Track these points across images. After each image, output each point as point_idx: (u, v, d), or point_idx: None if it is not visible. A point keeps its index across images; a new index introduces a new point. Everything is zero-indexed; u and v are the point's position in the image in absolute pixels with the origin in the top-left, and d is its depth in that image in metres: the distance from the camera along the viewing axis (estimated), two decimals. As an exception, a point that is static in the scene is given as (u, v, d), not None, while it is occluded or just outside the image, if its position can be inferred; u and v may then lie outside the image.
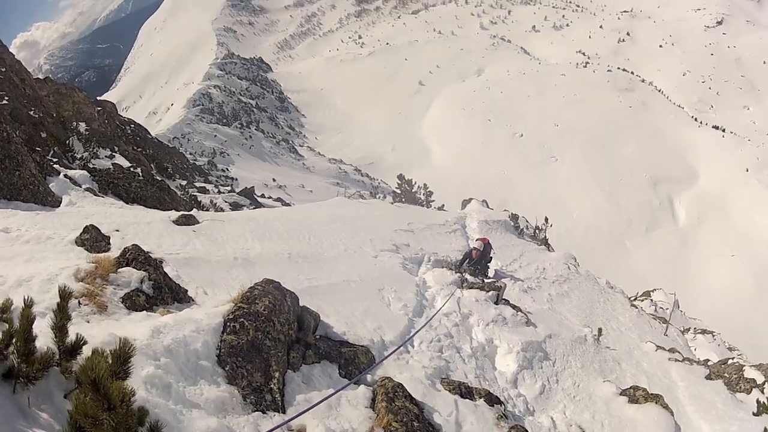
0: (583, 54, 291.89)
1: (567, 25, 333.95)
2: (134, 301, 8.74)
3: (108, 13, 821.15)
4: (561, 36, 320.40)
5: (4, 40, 37.54)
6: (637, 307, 29.08)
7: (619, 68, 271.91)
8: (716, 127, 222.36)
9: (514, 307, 17.62)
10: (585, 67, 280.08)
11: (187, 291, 10.37)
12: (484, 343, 14.95)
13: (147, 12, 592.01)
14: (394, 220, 28.04)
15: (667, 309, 36.28)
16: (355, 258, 19.16)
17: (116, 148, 35.79)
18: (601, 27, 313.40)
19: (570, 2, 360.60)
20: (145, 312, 8.51)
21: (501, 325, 15.85)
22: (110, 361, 4.40)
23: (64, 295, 5.35)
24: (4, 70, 32.31)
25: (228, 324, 8.03)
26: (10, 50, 37.73)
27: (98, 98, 61.11)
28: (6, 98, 27.24)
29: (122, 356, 4.44)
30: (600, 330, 18.69)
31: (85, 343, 5.40)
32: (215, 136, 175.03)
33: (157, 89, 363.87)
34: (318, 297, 12.34)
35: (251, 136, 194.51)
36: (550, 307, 21.57)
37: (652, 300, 40.24)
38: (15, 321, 5.40)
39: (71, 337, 5.38)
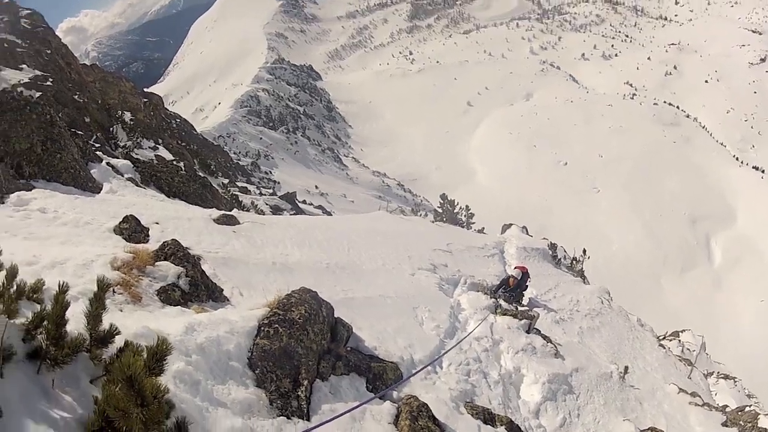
0: (631, 85, 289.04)
1: (616, 55, 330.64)
2: (169, 296, 8.79)
3: (159, 8, 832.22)
4: (609, 66, 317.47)
5: (50, 23, 37.97)
6: (664, 347, 28.74)
7: (665, 102, 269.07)
8: (756, 168, 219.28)
9: (544, 337, 17.53)
10: (632, 98, 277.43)
11: (222, 290, 10.45)
12: (511, 370, 14.92)
13: (198, 10, 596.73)
14: (433, 239, 27.92)
15: (694, 351, 35.79)
16: (393, 274, 19.16)
17: (160, 141, 35.97)
18: (649, 59, 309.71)
19: (619, 32, 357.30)
20: (179, 307, 8.58)
21: (530, 354, 15.79)
22: (145, 356, 4.38)
23: (102, 285, 5.34)
24: (49, 52, 32.60)
25: (262, 328, 8.06)
26: (56, 33, 38.14)
27: (145, 90, 61.39)
28: (50, 80, 27.43)
29: (158, 354, 4.42)
30: (626, 368, 18.54)
31: (119, 333, 5.42)
32: (261, 138, 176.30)
33: (205, 87, 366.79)
34: (353, 309, 12.30)
35: (297, 141, 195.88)
36: (580, 340, 21.39)
37: (680, 341, 39.62)
38: (46, 302, 5.39)
39: (104, 326, 5.38)
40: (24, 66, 28.64)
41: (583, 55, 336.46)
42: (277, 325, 8.11)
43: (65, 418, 4.57)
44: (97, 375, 5.22)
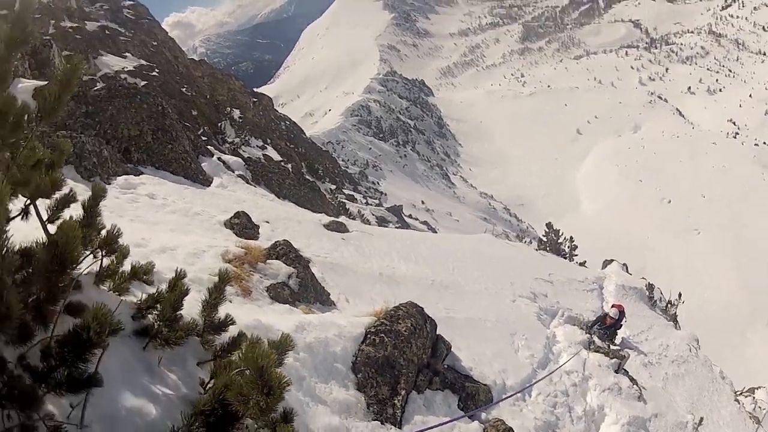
0: (734, 123, 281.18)
1: (720, 90, 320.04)
2: (279, 293, 9.08)
3: (269, 12, 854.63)
4: (714, 101, 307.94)
5: (156, 16, 38.96)
6: (739, 402, 28.17)
7: (764, 143, 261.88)
8: None
9: (631, 379, 17.42)
10: (735, 137, 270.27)
11: (329, 295, 10.81)
12: (595, 408, 14.89)
13: (309, 17, 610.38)
14: (536, 267, 27.79)
15: (764, 410, 35.00)
16: (494, 298, 19.24)
17: (269, 140, 36.58)
18: (750, 96, 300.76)
19: (723, 66, 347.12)
20: (287, 306, 8.87)
21: (615, 394, 15.72)
22: (266, 348, 4.49)
23: (224, 277, 5.54)
24: (155, 44, 33.41)
25: (369, 336, 8.32)
26: (162, 27, 39.08)
27: (255, 90, 62.43)
28: (157, 70, 28.08)
29: (281, 348, 4.54)
30: (701, 419, 18.24)
31: (233, 323, 5.62)
32: (370, 148, 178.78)
33: (316, 93, 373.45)
34: (454, 328, 12.44)
35: (406, 155, 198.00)
36: (664, 386, 21.07)
37: (753, 398, 38.77)
38: (157, 284, 5.71)
39: (220, 315, 5.56)
40: (128, 54, 29.52)
41: (689, 88, 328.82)
42: (383, 335, 8.35)
43: (168, 394, 4.74)
44: (205, 359, 5.41)
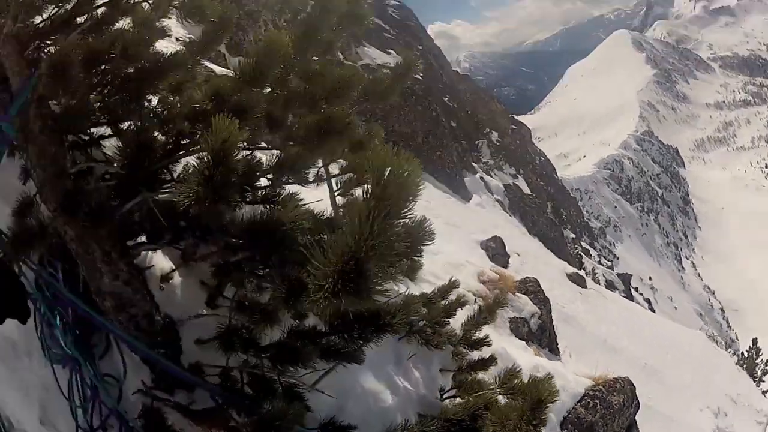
0: None
1: None
2: (518, 328, 9.79)
3: (535, 42, 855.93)
4: None
5: (420, 21, 39.69)
6: None
7: None
8: None
9: None
10: None
11: (557, 345, 11.32)
12: None
13: (574, 55, 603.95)
14: (730, 383, 27.15)
15: None
16: (689, 399, 19.29)
17: (521, 171, 36.60)
18: None
19: None
20: (523, 342, 9.45)
21: None
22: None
23: (499, 302, 6.08)
24: (420, 48, 34.14)
25: (585, 398, 8.72)
26: (428, 34, 39.71)
27: (515, 117, 62.20)
28: (420, 75, 28.68)
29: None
30: None
31: (489, 344, 6.22)
32: (615, 207, 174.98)
33: (573, 135, 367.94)
34: (647, 419, 12.61)
35: (647, 224, 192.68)
36: None
37: None
38: (417, 282, 6.56)
39: (479, 334, 6.20)
40: (391, 51, 30.39)
41: None
42: (597, 401, 8.73)
43: (407, 389, 5.29)
44: (448, 368, 5.96)
